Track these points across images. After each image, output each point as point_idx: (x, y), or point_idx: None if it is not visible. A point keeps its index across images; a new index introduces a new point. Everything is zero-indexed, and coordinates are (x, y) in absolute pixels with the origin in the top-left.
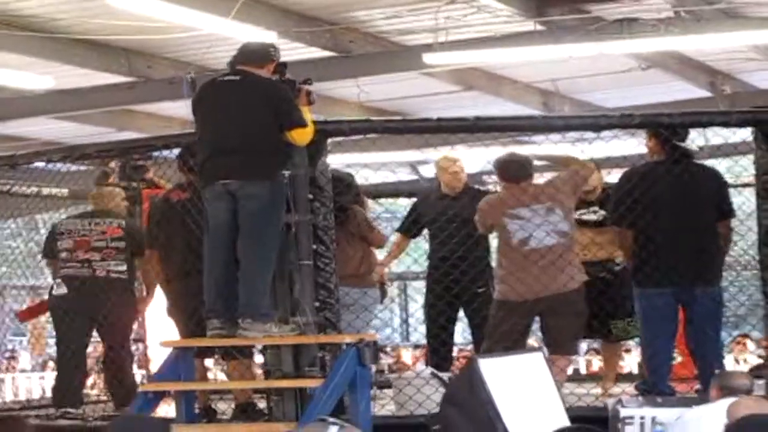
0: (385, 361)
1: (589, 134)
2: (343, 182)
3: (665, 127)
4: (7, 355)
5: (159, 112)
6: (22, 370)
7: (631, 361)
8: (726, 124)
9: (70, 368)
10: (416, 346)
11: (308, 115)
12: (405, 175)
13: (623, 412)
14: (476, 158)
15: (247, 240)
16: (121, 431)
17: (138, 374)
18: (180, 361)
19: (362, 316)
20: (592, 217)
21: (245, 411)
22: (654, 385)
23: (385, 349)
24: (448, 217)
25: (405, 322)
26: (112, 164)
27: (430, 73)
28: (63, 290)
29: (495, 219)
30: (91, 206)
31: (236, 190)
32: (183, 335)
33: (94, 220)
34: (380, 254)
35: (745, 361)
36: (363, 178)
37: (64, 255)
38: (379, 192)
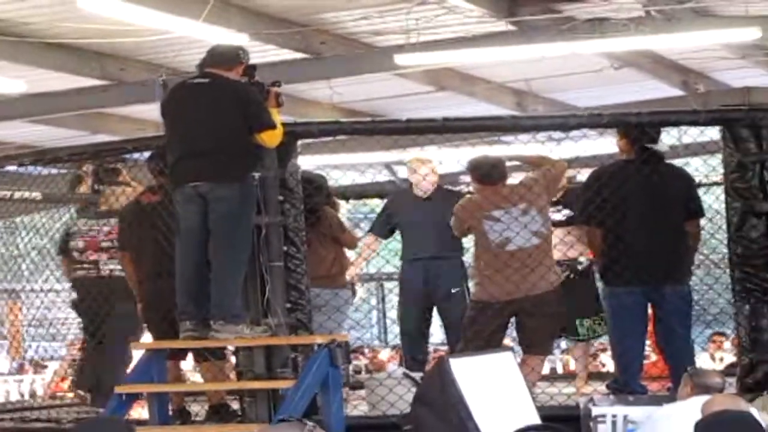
0: (361, 362)
1: (559, 134)
2: (313, 184)
3: (634, 126)
4: None
5: (132, 115)
6: (0, 374)
7: (609, 359)
8: (695, 123)
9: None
10: (393, 347)
11: (277, 117)
12: (377, 176)
13: (595, 411)
14: (447, 159)
15: (218, 242)
16: None
17: None
18: (153, 363)
19: (334, 317)
20: (558, 216)
21: (218, 412)
22: (625, 384)
23: (362, 349)
24: (418, 218)
25: (383, 322)
26: (86, 167)
27: (403, 74)
28: (74, 295)
29: (472, 222)
30: (102, 206)
31: (206, 192)
32: (155, 337)
33: (101, 220)
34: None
35: (721, 359)
36: (333, 179)
37: (75, 255)
38: (348, 193)
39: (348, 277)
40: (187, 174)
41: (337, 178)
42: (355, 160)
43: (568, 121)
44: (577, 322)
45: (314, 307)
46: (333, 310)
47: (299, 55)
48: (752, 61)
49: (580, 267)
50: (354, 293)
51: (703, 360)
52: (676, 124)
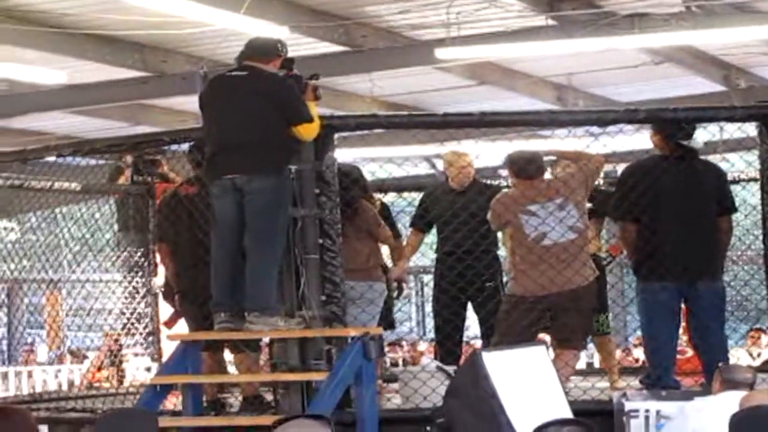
0: (398, 355)
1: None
2: (349, 176)
3: (669, 121)
4: (26, 348)
5: (173, 106)
6: (39, 363)
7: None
8: (731, 119)
9: None
10: (431, 340)
11: (314, 110)
12: (414, 170)
13: (628, 406)
14: (485, 153)
15: (253, 234)
16: (107, 425)
17: (154, 367)
18: (187, 354)
19: (368, 310)
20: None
21: (252, 403)
22: (658, 379)
23: (400, 342)
24: (453, 212)
25: (421, 315)
26: (127, 159)
27: (443, 68)
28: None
29: (509, 217)
30: None
31: (243, 184)
32: (192, 328)
33: None
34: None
35: (758, 355)
36: (369, 173)
37: None
38: (386, 187)
39: (396, 274)
40: (224, 166)
41: (373, 171)
42: (393, 154)
43: (604, 116)
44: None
45: (349, 300)
46: (367, 303)
47: (340, 48)
48: None
49: (604, 262)
50: (401, 290)
51: (740, 356)
52: (712, 120)
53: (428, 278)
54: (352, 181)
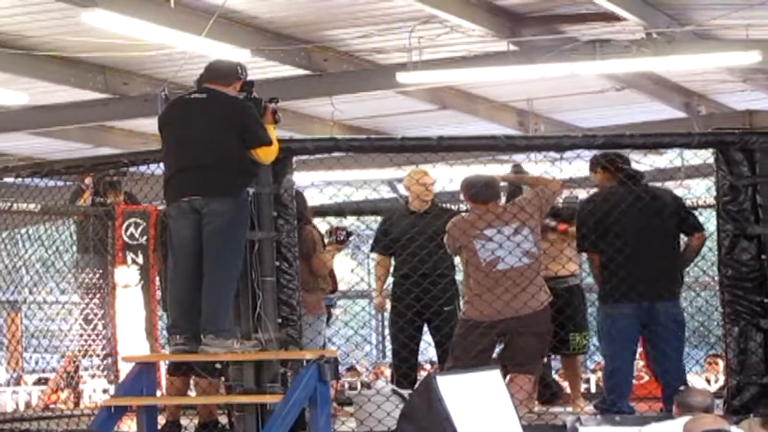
0: (356, 379)
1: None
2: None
3: (627, 147)
4: None
5: (135, 128)
6: None
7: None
8: (687, 146)
9: None
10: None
11: (273, 133)
12: (374, 194)
13: (582, 431)
14: (442, 177)
15: (211, 256)
16: None
17: (111, 388)
18: (142, 376)
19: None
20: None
21: (206, 426)
22: (613, 404)
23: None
24: (411, 235)
25: (380, 338)
26: (87, 180)
27: (405, 92)
28: None
29: (465, 241)
30: None
31: (201, 207)
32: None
33: None
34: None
35: (716, 380)
36: (326, 196)
37: None
38: (345, 210)
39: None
40: (183, 188)
41: (331, 195)
42: (353, 177)
43: (562, 142)
44: (570, 336)
45: None
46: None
47: (301, 72)
48: (754, 84)
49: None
50: (330, 315)
51: (698, 382)
52: (669, 146)
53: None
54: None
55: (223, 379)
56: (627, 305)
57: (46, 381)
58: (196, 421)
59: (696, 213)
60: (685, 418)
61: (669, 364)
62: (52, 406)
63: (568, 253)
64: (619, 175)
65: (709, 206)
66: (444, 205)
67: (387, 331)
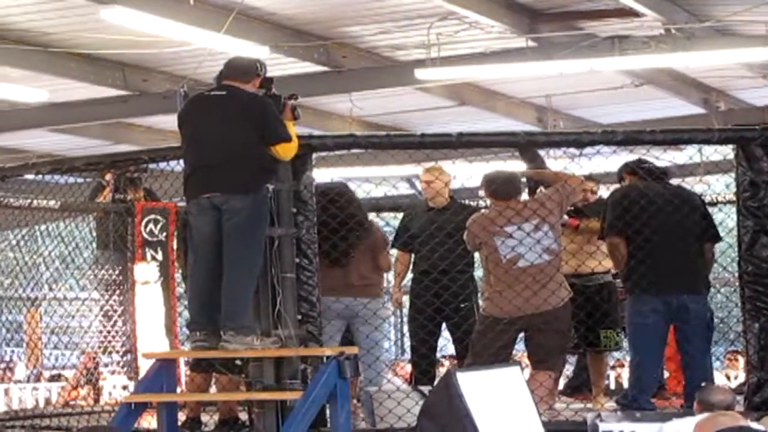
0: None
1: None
2: (343, 196)
3: (646, 143)
4: (3, 365)
5: (154, 125)
6: (17, 381)
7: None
8: (708, 142)
9: None
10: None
11: (293, 129)
12: (393, 190)
13: (602, 427)
14: (461, 174)
15: (230, 253)
16: None
17: (131, 385)
18: (162, 372)
19: (380, 327)
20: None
21: (226, 423)
22: (634, 400)
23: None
24: (430, 231)
25: (399, 335)
26: (108, 177)
27: (424, 89)
28: None
29: (485, 238)
30: None
31: (221, 203)
32: None
33: None
34: None
35: (735, 377)
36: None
37: None
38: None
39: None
40: (202, 185)
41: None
42: (372, 174)
43: (581, 138)
44: (601, 332)
45: (360, 318)
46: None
47: (320, 68)
48: None
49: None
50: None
51: (719, 378)
52: (689, 142)
53: (405, 298)
54: (346, 201)
55: (243, 375)
56: (656, 300)
57: (59, 377)
58: (216, 417)
59: (716, 209)
60: (704, 416)
61: (695, 362)
62: (72, 402)
63: (604, 249)
64: (647, 177)
65: (730, 202)
66: (464, 202)
67: (405, 328)
